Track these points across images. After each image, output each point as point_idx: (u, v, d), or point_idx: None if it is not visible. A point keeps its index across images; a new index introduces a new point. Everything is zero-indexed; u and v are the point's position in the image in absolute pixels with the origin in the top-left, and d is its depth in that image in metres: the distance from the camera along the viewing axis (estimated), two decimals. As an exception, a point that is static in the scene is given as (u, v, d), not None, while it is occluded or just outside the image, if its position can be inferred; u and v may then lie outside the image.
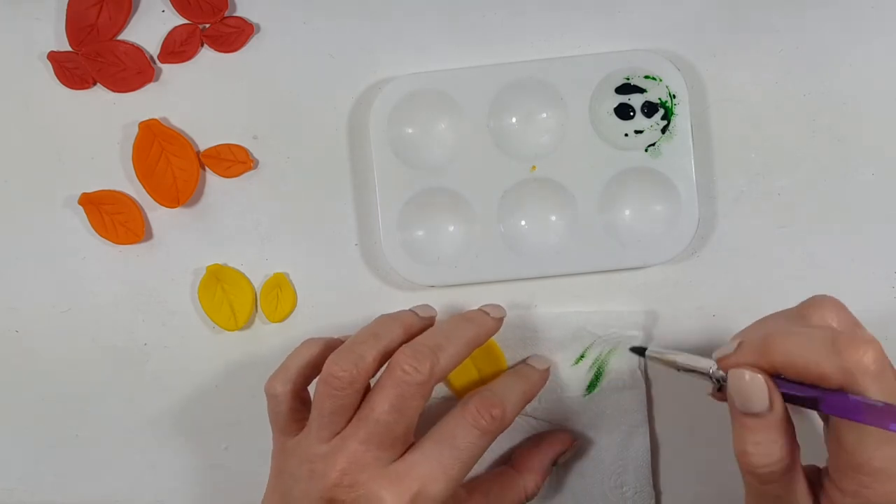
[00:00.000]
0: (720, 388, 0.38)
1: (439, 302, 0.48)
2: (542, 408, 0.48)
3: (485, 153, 0.47)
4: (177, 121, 0.49)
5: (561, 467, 0.48)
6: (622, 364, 0.47)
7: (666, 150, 0.47)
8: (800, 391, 0.34)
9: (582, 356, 0.47)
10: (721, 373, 0.37)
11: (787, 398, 0.35)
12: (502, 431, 0.41)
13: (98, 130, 0.49)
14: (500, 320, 0.44)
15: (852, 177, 0.48)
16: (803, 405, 0.35)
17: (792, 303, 0.39)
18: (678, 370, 0.40)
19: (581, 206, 0.47)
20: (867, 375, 0.32)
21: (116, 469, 0.50)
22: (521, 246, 0.48)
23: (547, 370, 0.46)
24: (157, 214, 0.49)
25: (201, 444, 0.50)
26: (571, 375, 0.48)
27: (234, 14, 0.49)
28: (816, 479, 0.37)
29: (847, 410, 0.32)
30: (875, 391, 0.32)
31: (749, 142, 0.48)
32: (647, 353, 0.42)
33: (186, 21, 0.49)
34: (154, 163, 0.48)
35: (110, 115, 0.49)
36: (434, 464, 0.39)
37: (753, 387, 0.35)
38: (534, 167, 0.47)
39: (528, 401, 0.44)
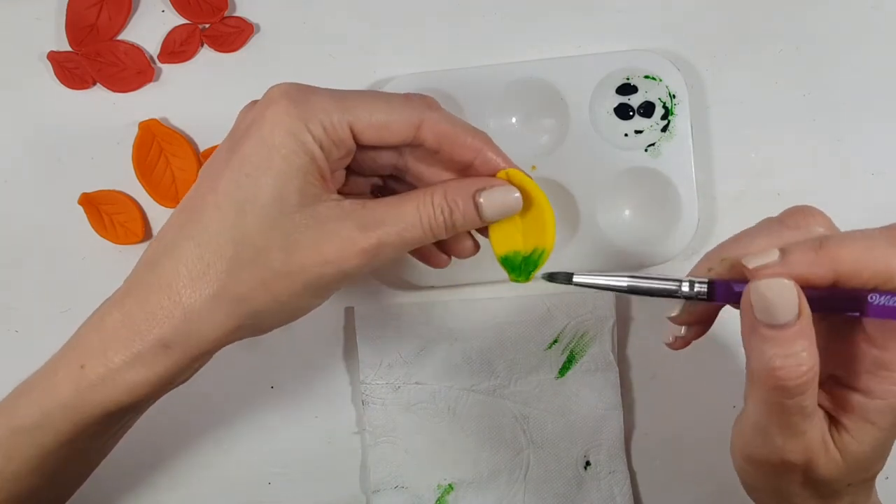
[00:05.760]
0: (689, 298, 0.35)
1: (440, 300, 0.48)
2: (514, 389, 0.48)
3: (485, 153, 0.47)
4: (177, 121, 0.49)
5: (536, 446, 0.48)
6: (595, 348, 0.47)
7: (666, 150, 0.47)
8: (841, 295, 0.32)
9: (555, 341, 0.48)
10: (701, 287, 0.34)
11: (820, 305, 0.32)
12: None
13: (98, 130, 0.49)
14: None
15: (852, 177, 0.48)
16: (827, 311, 0.32)
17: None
18: (624, 292, 0.36)
19: (581, 206, 0.47)
20: None
21: (115, 469, 0.50)
22: (521, 246, 0.47)
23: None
24: (157, 214, 0.49)
25: (201, 443, 0.50)
26: (544, 359, 0.48)
27: (234, 14, 0.49)
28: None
29: None
30: None
31: (749, 142, 0.48)
32: (574, 279, 0.36)
33: (186, 21, 0.49)
34: (154, 163, 0.48)
35: (110, 115, 0.49)
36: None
37: (783, 294, 0.31)
38: (534, 167, 0.47)
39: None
